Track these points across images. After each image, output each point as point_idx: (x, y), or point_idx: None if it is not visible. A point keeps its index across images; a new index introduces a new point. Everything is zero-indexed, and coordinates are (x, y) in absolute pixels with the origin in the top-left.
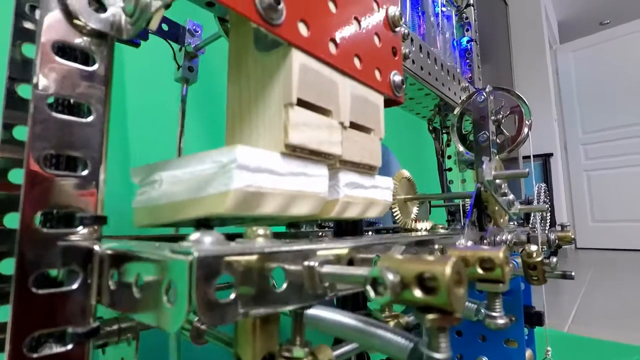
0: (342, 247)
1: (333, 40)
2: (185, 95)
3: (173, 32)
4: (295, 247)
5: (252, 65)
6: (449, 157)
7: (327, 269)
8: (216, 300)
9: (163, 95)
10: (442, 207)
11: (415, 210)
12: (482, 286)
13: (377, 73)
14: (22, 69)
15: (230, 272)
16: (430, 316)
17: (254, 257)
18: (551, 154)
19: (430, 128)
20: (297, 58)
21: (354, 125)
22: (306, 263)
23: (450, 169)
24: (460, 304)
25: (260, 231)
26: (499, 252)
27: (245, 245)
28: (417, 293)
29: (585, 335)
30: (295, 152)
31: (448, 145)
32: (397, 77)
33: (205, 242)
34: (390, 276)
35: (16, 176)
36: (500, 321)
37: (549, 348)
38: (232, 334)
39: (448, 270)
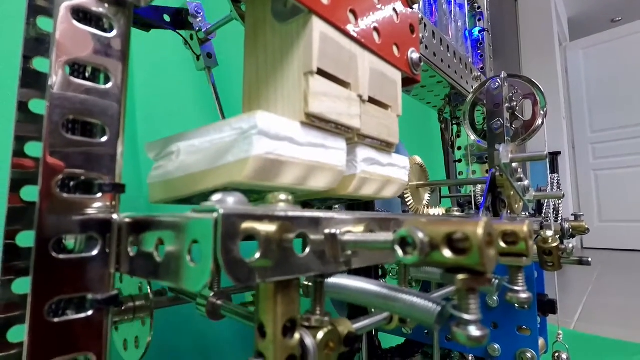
0: (363, 217)
1: (353, 12)
2: (214, 83)
3: (177, 20)
4: (318, 214)
5: (270, 36)
6: (459, 148)
7: (349, 236)
8: (241, 258)
9: (172, 83)
10: (452, 197)
11: (426, 197)
12: (505, 260)
13: (395, 49)
14: (36, 45)
15: (254, 232)
16: (461, 276)
17: (278, 220)
18: (559, 153)
19: (441, 119)
20: (318, 26)
21: (372, 101)
22: (327, 231)
23: (460, 160)
24: (492, 264)
25: (282, 196)
26: (523, 225)
27: (268, 207)
28: (447, 253)
29: (591, 333)
30: (315, 122)
31: (458, 136)
32: (414, 55)
33: (229, 201)
34: (420, 234)
35: (33, 149)
36: (523, 295)
37: (560, 332)
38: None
39: (480, 230)
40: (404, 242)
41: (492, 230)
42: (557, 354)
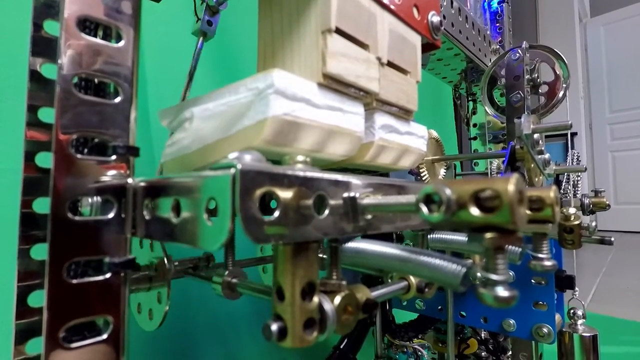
0: (382, 183)
1: None
2: (200, 49)
3: None
4: (337, 176)
5: None
6: (474, 125)
7: (369, 200)
8: (260, 217)
9: (184, 57)
10: (466, 175)
11: (442, 172)
12: (530, 227)
13: (415, 11)
14: (46, 10)
15: (272, 190)
16: (489, 235)
17: (297, 179)
18: (575, 133)
19: (456, 95)
20: None
21: (391, 65)
22: (346, 194)
23: (475, 138)
24: (523, 222)
25: (300, 157)
26: (549, 191)
27: (286, 167)
28: (475, 212)
29: (604, 314)
30: (332, 84)
31: (474, 113)
32: (435, 18)
33: (246, 158)
34: (447, 191)
35: (46, 115)
36: (548, 263)
37: (577, 289)
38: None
39: (512, 187)
40: (429, 200)
41: (523, 188)
42: (572, 310)
